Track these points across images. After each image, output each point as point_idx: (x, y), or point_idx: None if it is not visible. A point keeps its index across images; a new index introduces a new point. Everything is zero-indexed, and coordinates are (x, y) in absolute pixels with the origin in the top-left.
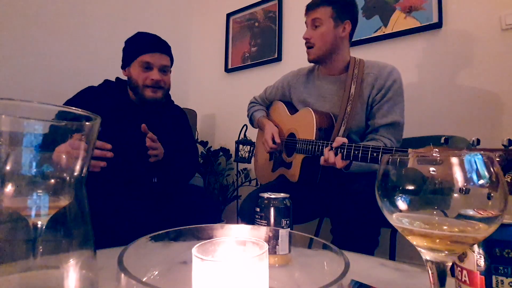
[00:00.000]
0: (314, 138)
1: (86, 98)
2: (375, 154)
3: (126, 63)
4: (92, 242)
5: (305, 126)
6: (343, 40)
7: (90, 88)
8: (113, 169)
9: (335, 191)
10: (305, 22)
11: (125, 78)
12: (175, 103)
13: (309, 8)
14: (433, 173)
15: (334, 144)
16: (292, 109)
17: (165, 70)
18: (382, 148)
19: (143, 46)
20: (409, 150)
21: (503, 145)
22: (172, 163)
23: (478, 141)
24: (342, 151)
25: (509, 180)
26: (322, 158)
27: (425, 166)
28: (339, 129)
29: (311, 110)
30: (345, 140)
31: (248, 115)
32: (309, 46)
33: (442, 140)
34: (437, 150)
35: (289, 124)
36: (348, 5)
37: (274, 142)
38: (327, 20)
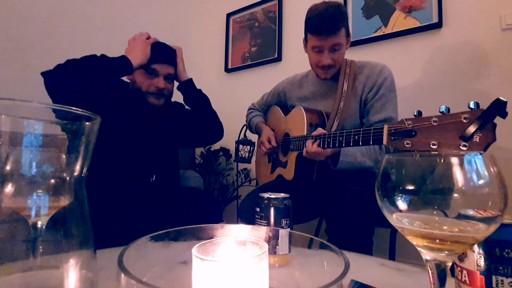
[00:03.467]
0: (305, 134)
1: None
2: (356, 137)
3: None
4: (92, 242)
5: (297, 124)
6: None
7: None
8: (113, 168)
9: (331, 190)
10: (316, 46)
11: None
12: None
13: (327, 32)
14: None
15: (314, 133)
16: (288, 112)
17: (169, 77)
18: (362, 130)
19: (154, 56)
20: (384, 125)
21: (469, 107)
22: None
23: (448, 109)
24: (318, 140)
25: (477, 140)
26: (304, 149)
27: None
28: (332, 125)
29: (301, 108)
30: (324, 131)
31: (246, 121)
32: (329, 68)
33: (415, 113)
34: (410, 122)
35: (284, 125)
36: (347, 18)
37: (270, 144)
38: (344, 41)
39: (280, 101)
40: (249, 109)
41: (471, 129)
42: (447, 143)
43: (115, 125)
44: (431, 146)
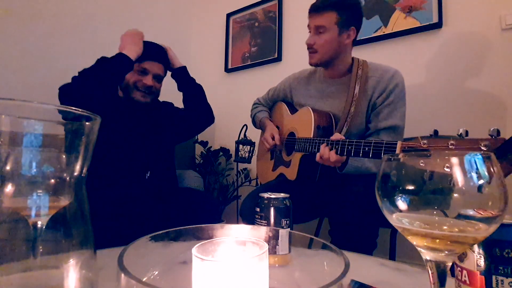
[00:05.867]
0: (312, 136)
1: None
2: (366, 149)
3: None
4: (92, 242)
5: (304, 125)
6: (346, 47)
7: None
8: (108, 167)
9: (333, 191)
10: (308, 26)
11: None
12: (176, 103)
13: (313, 11)
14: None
15: (332, 138)
16: (294, 110)
17: (158, 78)
18: (374, 142)
19: (145, 54)
20: (398, 141)
21: (490, 135)
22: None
23: (467, 132)
24: (337, 146)
25: None
26: (317, 154)
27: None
28: (341, 129)
29: (310, 109)
30: (342, 137)
31: (251, 116)
32: (312, 51)
33: (432, 132)
34: (425, 141)
35: (290, 123)
36: (354, 11)
37: (273, 141)
38: (331, 27)
39: (285, 97)
40: (254, 103)
41: None
42: None
43: (108, 124)
44: (445, 169)
